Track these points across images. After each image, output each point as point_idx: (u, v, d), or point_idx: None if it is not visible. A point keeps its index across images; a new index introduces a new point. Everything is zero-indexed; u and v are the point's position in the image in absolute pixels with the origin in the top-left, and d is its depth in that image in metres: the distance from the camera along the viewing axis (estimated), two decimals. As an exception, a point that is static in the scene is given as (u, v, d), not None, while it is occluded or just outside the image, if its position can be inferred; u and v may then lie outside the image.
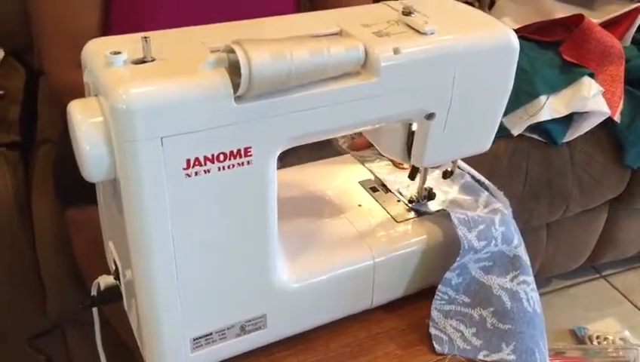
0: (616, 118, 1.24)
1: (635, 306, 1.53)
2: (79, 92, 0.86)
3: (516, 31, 1.30)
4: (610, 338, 1.37)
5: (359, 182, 0.74)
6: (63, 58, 0.87)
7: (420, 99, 0.57)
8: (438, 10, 0.60)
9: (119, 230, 0.56)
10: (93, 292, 0.65)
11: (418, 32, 0.56)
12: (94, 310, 0.69)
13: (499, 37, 0.58)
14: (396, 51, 0.54)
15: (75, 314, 1.01)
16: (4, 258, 0.99)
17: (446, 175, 0.70)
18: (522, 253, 0.67)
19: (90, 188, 0.86)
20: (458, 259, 0.63)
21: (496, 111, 0.63)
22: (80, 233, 0.92)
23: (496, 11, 1.40)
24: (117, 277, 0.61)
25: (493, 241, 0.65)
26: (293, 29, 0.56)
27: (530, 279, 0.67)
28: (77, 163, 0.51)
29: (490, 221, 0.65)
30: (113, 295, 0.62)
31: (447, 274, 0.64)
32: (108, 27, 0.91)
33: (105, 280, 0.63)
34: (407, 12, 0.58)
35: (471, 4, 1.49)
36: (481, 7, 1.49)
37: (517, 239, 0.67)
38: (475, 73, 0.58)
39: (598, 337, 1.39)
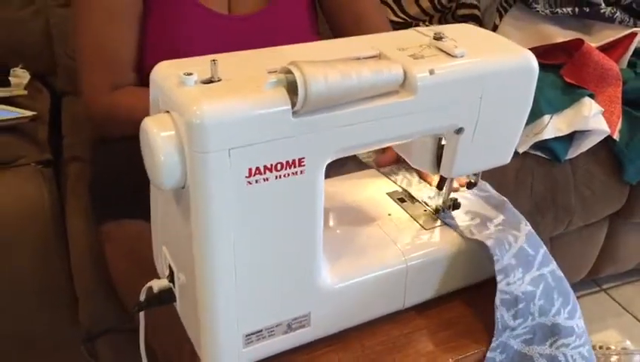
0: (616, 136, 1.31)
1: (635, 318, 1.59)
2: (115, 113, 0.92)
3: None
4: (613, 347, 1.43)
5: (387, 194, 0.79)
6: (101, 82, 0.93)
7: (451, 115, 0.63)
8: (465, 36, 0.67)
9: (178, 236, 0.61)
10: (143, 296, 0.70)
11: (449, 54, 0.62)
12: (141, 314, 0.73)
13: (521, 59, 0.65)
14: (431, 72, 0.60)
15: (106, 323, 1.05)
16: (38, 268, 1.03)
17: (470, 186, 0.76)
18: (562, 319, 0.70)
19: (125, 203, 0.92)
20: (494, 339, 0.67)
21: (517, 126, 0.69)
22: (115, 246, 0.96)
23: (498, 36, 1.47)
24: (171, 280, 0.66)
25: (530, 317, 0.69)
26: (337, 52, 0.62)
27: (572, 339, 0.70)
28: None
29: (531, 295, 0.68)
30: (166, 297, 0.67)
31: (489, 354, 0.68)
32: (142, 56, 0.97)
33: (158, 284, 0.68)
34: (438, 37, 0.64)
35: (474, 29, 1.56)
36: (483, 32, 1.56)
37: (557, 305, 0.70)
38: (500, 92, 0.64)
39: (600, 347, 1.44)
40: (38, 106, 1.27)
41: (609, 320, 1.57)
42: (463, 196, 0.77)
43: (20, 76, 1.31)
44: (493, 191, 0.80)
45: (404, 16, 1.64)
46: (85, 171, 1.10)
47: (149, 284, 0.69)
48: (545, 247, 0.74)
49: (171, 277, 0.66)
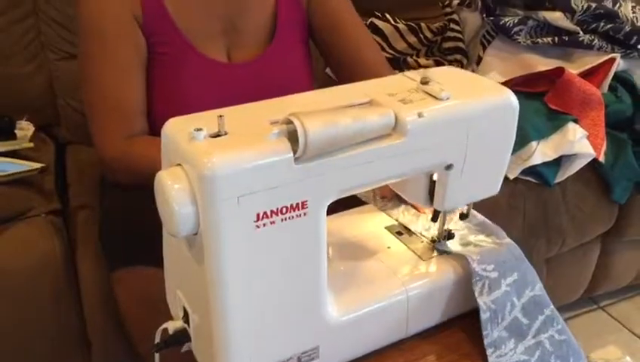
0: (601, 158, 1.36)
1: (633, 333, 1.62)
2: (131, 162, 0.95)
3: (504, 84, 1.45)
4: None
5: (385, 228, 0.84)
6: (114, 131, 0.96)
7: (440, 154, 0.68)
8: (449, 79, 0.72)
9: (192, 278, 0.65)
10: (158, 338, 0.74)
11: (436, 98, 0.67)
12: (157, 355, 0.77)
13: (502, 98, 0.70)
14: (420, 115, 0.65)
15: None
16: (52, 315, 1.07)
17: (462, 217, 0.80)
18: None
19: (134, 249, 0.96)
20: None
21: (503, 159, 0.74)
22: (126, 290, 0.99)
23: (483, 67, 1.54)
24: (186, 321, 0.70)
25: None
26: (332, 99, 0.67)
27: None
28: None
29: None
30: (182, 337, 0.71)
31: None
32: (150, 105, 1.01)
33: (173, 325, 0.72)
34: (425, 81, 0.69)
35: (459, 61, 1.63)
36: (469, 63, 1.63)
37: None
38: (485, 129, 0.69)
39: (601, 363, 1.48)
40: (44, 157, 1.31)
41: (608, 337, 1.60)
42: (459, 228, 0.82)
43: (25, 128, 1.37)
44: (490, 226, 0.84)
45: (392, 52, 1.71)
46: (93, 218, 1.14)
47: (164, 326, 0.73)
48: (550, 308, 0.77)
49: (186, 318, 0.70)
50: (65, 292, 1.07)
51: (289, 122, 0.59)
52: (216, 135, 0.59)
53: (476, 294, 0.73)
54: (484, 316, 0.72)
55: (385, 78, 0.74)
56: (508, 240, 0.80)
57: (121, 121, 0.97)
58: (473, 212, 0.84)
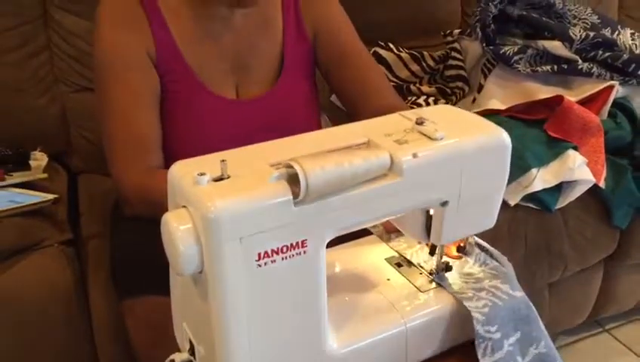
0: (602, 184, 1.38)
1: (639, 357, 1.63)
2: (150, 196, 0.97)
3: (504, 111, 1.48)
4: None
5: (385, 259, 0.86)
6: (133, 164, 0.97)
7: (435, 192, 0.71)
8: (444, 118, 0.75)
9: (197, 313, 0.68)
10: (166, 369, 0.76)
11: (430, 138, 0.70)
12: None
13: (494, 138, 0.73)
14: (414, 156, 0.68)
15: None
16: (64, 342, 1.10)
17: (460, 249, 0.83)
18: None
19: (145, 279, 0.99)
20: None
21: (497, 195, 0.77)
22: (136, 319, 1.02)
23: (484, 94, 1.57)
24: (192, 353, 0.73)
25: None
26: (331, 140, 0.70)
27: None
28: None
29: None
30: (188, 369, 0.74)
31: None
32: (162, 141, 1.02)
33: (180, 357, 0.75)
34: (419, 122, 0.72)
35: (461, 88, 1.66)
36: (470, 91, 1.66)
37: None
38: (478, 167, 0.72)
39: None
40: (57, 187, 1.36)
41: (614, 360, 1.61)
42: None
43: (39, 159, 1.41)
44: (481, 245, 0.86)
45: (396, 80, 1.74)
46: (104, 247, 1.18)
47: (171, 357, 0.76)
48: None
49: (192, 351, 0.73)
50: (76, 320, 1.11)
51: (289, 166, 0.62)
52: (219, 178, 0.62)
53: (479, 356, 0.74)
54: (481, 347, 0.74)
55: (382, 118, 0.77)
56: (519, 293, 0.79)
57: (139, 154, 0.98)
58: (487, 247, 0.86)
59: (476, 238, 0.88)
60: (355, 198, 0.65)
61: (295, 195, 0.61)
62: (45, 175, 1.31)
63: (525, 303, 0.79)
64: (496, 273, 0.81)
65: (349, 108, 1.13)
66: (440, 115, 0.76)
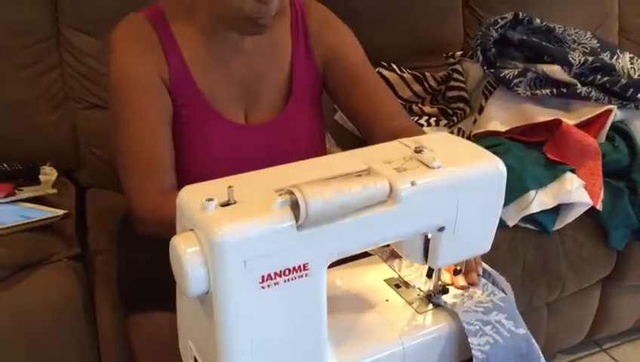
0: (599, 206, 1.41)
1: (636, 376, 1.65)
2: (165, 218, 0.97)
3: (504, 132, 1.50)
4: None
5: (384, 280, 0.89)
6: (148, 185, 0.99)
7: (433, 218, 0.74)
8: (442, 146, 0.78)
9: (202, 331, 0.71)
10: (171, 383, 0.79)
11: (428, 166, 0.73)
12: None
13: (490, 166, 0.76)
14: (413, 183, 0.71)
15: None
16: (71, 357, 1.13)
17: (456, 272, 0.86)
18: None
19: (151, 296, 1.01)
20: None
21: (492, 221, 0.79)
22: (142, 335, 1.04)
23: (485, 115, 1.60)
24: (197, 370, 0.76)
25: None
26: (333, 167, 0.73)
27: None
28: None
29: None
30: (193, 385, 0.77)
31: None
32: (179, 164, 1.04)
33: (185, 373, 0.77)
34: (418, 150, 0.75)
35: (462, 109, 1.69)
36: (471, 112, 1.69)
37: None
38: (474, 195, 0.75)
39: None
40: (66, 202, 1.38)
41: (611, 380, 1.63)
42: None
43: (48, 174, 1.44)
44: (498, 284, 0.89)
45: (399, 100, 1.77)
46: (111, 263, 1.21)
47: (177, 373, 0.79)
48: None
49: (197, 367, 0.76)
50: (83, 334, 1.13)
51: (291, 193, 0.65)
52: (226, 204, 0.65)
53: None
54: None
55: (382, 145, 0.80)
56: (522, 331, 0.81)
57: (154, 175, 1.00)
58: (487, 268, 0.89)
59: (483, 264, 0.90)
60: (354, 224, 0.68)
61: (298, 220, 0.65)
62: (55, 190, 1.34)
63: (527, 341, 0.81)
64: (503, 306, 0.83)
65: (362, 132, 1.15)
66: (438, 143, 0.79)
